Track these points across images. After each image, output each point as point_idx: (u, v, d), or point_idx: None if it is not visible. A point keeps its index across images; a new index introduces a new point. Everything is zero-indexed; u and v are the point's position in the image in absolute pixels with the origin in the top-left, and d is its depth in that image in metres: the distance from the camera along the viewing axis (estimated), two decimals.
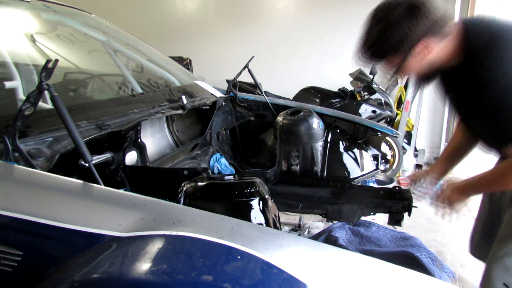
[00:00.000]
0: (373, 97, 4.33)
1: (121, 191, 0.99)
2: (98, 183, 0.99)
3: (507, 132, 1.20)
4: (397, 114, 4.59)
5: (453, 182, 1.43)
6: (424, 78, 1.36)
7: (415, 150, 4.86)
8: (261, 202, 1.10)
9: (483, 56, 1.17)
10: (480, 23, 1.21)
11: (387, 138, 3.85)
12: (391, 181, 3.34)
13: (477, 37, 1.19)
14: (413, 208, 1.80)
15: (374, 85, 4.33)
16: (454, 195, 1.41)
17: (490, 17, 1.23)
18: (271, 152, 2.38)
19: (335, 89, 4.55)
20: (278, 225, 1.20)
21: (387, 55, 1.22)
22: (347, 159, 2.26)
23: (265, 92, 2.57)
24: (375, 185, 2.79)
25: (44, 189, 0.97)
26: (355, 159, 2.28)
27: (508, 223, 1.31)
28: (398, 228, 2.02)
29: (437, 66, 1.27)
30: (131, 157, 1.53)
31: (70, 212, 0.91)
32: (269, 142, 2.48)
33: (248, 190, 1.10)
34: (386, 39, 1.18)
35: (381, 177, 3.29)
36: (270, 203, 1.15)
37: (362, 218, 1.99)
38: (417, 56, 1.20)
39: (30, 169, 1.01)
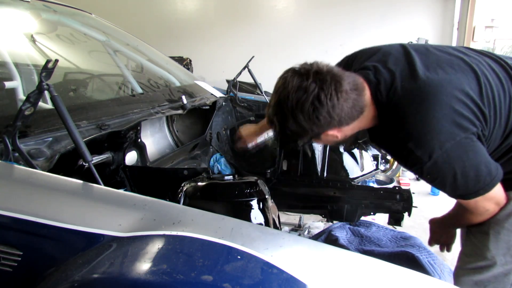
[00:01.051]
0: None
1: (121, 191, 0.99)
2: (98, 183, 0.99)
3: (451, 195, 1.14)
4: None
5: (435, 218, 1.46)
6: (344, 143, 1.25)
7: None
8: (261, 202, 1.10)
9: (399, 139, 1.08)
10: (393, 88, 1.08)
11: None
12: (391, 181, 3.35)
13: (387, 107, 1.09)
14: (413, 208, 1.80)
15: None
16: (440, 230, 1.44)
17: (403, 76, 1.09)
18: (271, 152, 2.38)
19: None
20: (278, 225, 1.20)
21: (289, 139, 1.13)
22: (347, 159, 2.26)
23: (265, 92, 2.57)
24: (375, 185, 2.79)
25: (44, 189, 0.96)
26: (355, 159, 2.28)
27: (467, 241, 1.30)
28: (398, 228, 2.03)
29: (354, 134, 1.19)
30: (131, 157, 1.53)
31: (70, 212, 0.91)
32: (269, 142, 2.47)
33: (248, 190, 1.10)
34: (284, 129, 1.10)
35: (381, 177, 3.29)
36: (270, 203, 1.15)
37: (362, 218, 1.99)
38: (325, 138, 1.13)
39: (30, 169, 1.01)
